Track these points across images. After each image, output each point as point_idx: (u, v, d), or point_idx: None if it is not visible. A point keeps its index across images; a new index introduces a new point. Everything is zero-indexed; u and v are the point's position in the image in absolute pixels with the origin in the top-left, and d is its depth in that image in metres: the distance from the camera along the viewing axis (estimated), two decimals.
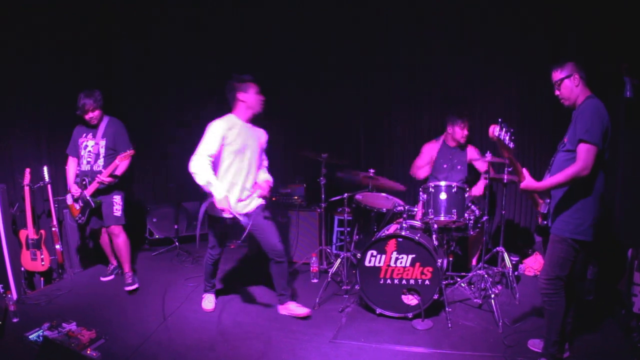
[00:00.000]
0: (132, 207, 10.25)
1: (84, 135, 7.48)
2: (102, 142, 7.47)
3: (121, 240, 7.67)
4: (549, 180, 4.87)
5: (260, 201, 6.68)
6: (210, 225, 6.71)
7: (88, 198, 7.32)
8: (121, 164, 7.31)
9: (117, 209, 7.58)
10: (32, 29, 7.91)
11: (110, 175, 7.28)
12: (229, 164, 6.34)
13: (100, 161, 7.45)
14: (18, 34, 7.72)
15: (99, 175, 7.23)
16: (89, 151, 7.45)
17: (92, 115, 7.32)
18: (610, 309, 6.57)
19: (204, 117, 10.33)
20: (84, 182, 7.36)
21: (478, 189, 7.82)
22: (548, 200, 5.20)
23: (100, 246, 8.28)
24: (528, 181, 4.95)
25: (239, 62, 10.01)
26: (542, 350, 5.43)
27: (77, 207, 7.46)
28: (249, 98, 6.45)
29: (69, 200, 7.54)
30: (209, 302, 7.06)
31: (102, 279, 8.13)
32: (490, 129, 4.68)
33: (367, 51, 9.24)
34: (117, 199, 7.61)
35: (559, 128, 5.53)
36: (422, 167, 8.08)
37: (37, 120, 8.18)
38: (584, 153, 4.70)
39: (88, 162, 7.47)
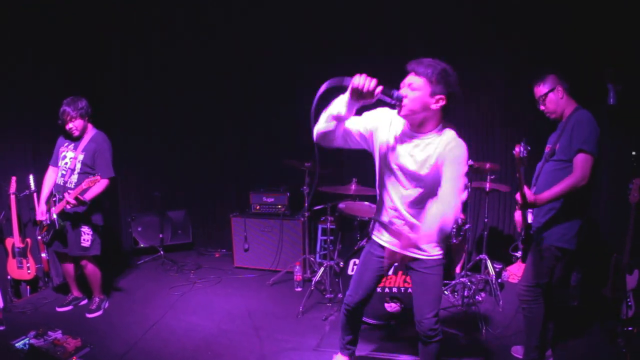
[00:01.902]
0: (117, 215, 10.29)
1: (66, 145, 7.03)
2: (80, 157, 6.87)
3: (89, 270, 7.22)
4: (548, 193, 4.89)
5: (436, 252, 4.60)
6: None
7: (54, 217, 6.84)
8: (91, 188, 6.59)
9: (86, 239, 6.95)
10: (20, 34, 7.89)
11: (77, 199, 6.49)
12: None
13: (74, 177, 6.87)
14: (4, 40, 7.68)
15: (65, 195, 6.56)
16: (66, 163, 6.94)
17: (72, 126, 6.79)
18: (595, 314, 6.64)
19: (192, 125, 10.45)
20: (54, 199, 6.92)
21: None
22: (531, 209, 5.26)
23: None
24: (531, 197, 4.95)
25: (228, 66, 10.04)
26: (523, 356, 5.50)
27: (45, 224, 7.06)
28: None
29: (39, 216, 7.09)
30: None
31: (58, 309, 7.36)
32: (516, 149, 4.67)
33: (351, 59, 9.25)
34: (86, 229, 6.95)
35: (541, 133, 5.57)
36: None
37: (23, 128, 8.14)
38: (582, 163, 4.78)
39: (62, 176, 6.94)
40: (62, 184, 6.90)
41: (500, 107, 8.70)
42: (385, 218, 4.64)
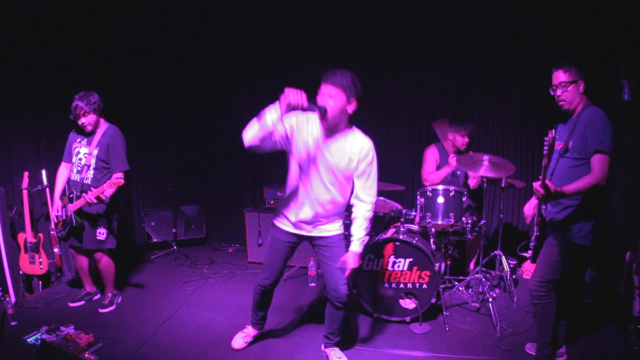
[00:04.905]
0: (130, 210, 10.27)
1: (79, 140, 6.98)
2: (95, 152, 6.83)
3: (102, 264, 7.21)
4: (571, 187, 4.80)
5: (338, 228, 5.52)
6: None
7: (70, 214, 6.74)
8: (109, 189, 6.52)
9: (101, 233, 6.94)
10: (32, 30, 7.86)
11: (98, 198, 6.50)
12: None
13: (90, 173, 6.83)
14: (17, 35, 7.67)
15: (85, 195, 6.54)
16: (80, 159, 6.90)
17: (85, 121, 6.74)
18: (608, 312, 6.60)
19: (205, 120, 10.42)
20: (71, 196, 6.83)
21: (472, 181, 7.75)
22: (544, 206, 5.21)
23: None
24: (553, 187, 4.88)
25: (241, 66, 10.02)
26: (536, 352, 5.46)
27: (61, 219, 6.99)
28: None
29: (54, 212, 7.03)
30: (242, 336, 6.18)
31: (70, 304, 7.35)
32: (550, 134, 4.58)
33: (363, 54, 9.24)
34: (102, 223, 6.96)
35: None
36: (432, 172, 8.05)
37: (35, 123, 8.13)
38: (601, 163, 4.74)
39: (78, 172, 6.89)
40: (78, 180, 6.88)
41: (514, 105, 8.67)
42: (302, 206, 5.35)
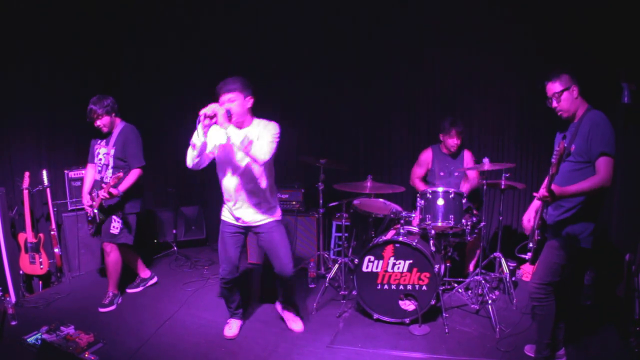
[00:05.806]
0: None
1: (99, 142, 7.24)
2: (112, 151, 7.06)
3: (111, 259, 7.27)
4: (575, 187, 4.82)
5: (275, 216, 6.21)
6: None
7: (95, 211, 7.04)
8: (123, 180, 6.84)
9: (115, 227, 7.09)
10: (32, 30, 7.90)
11: (109, 193, 6.73)
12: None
13: (109, 172, 7.05)
14: (17, 36, 7.71)
15: (99, 192, 6.84)
16: (100, 159, 7.16)
17: (100, 123, 6.96)
18: (608, 314, 6.59)
19: None
20: (93, 194, 7.07)
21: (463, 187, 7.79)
22: (545, 211, 5.21)
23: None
24: (558, 190, 4.89)
25: (240, 66, 10.00)
26: (535, 354, 5.47)
27: (89, 219, 7.22)
28: None
29: (85, 206, 7.24)
30: (228, 328, 6.57)
31: (128, 290, 7.81)
32: (562, 144, 4.62)
33: (366, 57, 9.24)
34: (116, 217, 7.12)
35: (553, 133, 5.51)
36: (421, 176, 8.10)
37: (36, 124, 8.18)
38: (606, 165, 4.75)
39: (99, 172, 7.18)
40: (99, 179, 7.13)
41: (514, 107, 8.67)
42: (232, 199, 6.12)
